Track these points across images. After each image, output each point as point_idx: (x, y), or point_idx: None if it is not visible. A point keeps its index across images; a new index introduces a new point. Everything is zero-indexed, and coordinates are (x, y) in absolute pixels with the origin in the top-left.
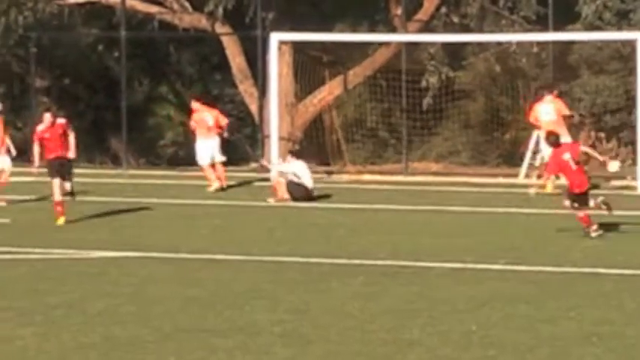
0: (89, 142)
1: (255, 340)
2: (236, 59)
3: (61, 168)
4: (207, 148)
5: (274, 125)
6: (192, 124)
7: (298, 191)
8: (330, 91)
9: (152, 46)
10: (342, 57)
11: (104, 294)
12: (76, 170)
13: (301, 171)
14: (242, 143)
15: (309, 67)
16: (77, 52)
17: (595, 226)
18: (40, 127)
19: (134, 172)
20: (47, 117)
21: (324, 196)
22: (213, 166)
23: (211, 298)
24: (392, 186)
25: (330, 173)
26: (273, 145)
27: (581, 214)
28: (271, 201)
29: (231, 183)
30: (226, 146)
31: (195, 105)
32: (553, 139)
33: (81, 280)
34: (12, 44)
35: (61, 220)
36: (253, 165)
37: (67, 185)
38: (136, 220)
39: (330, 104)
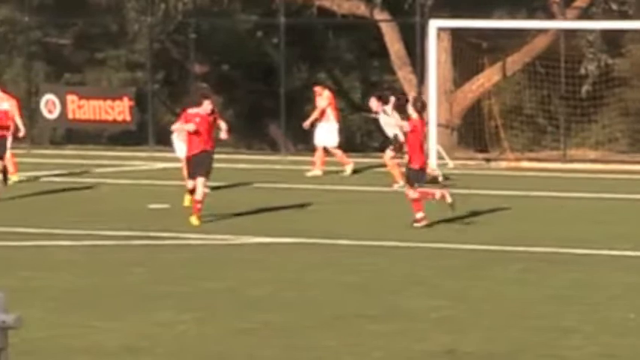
0: (247, 128)
1: (413, 326)
2: (394, 46)
3: (203, 165)
4: (328, 132)
5: (432, 112)
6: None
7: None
8: (488, 77)
9: (310, 33)
10: (501, 44)
11: (263, 280)
12: (235, 156)
13: None
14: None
15: (467, 54)
16: (236, 38)
17: None
18: (192, 110)
19: (293, 157)
20: (207, 104)
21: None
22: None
23: (369, 284)
24: (550, 173)
25: (488, 160)
26: (432, 132)
27: None
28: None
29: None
30: (384, 133)
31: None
32: None
33: (240, 266)
34: (171, 30)
35: (194, 220)
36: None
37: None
38: (294, 206)
39: (488, 91)
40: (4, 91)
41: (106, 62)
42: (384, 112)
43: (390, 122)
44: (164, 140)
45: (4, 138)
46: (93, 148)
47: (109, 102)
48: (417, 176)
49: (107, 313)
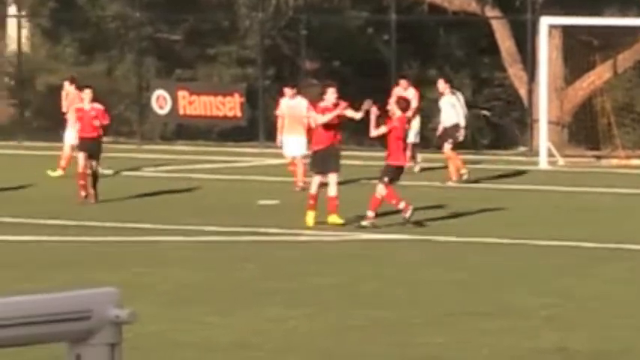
0: (358, 125)
1: (522, 324)
2: (505, 43)
3: (332, 159)
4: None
5: (543, 109)
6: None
7: None
8: (599, 75)
9: (421, 30)
10: (612, 41)
11: (372, 276)
12: (346, 153)
13: None
14: (511, 127)
15: (578, 52)
16: (347, 35)
17: None
18: (323, 104)
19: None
20: (331, 92)
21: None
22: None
23: (477, 281)
24: None
25: (598, 158)
26: (542, 129)
27: None
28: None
29: (501, 167)
30: (495, 129)
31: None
32: None
33: (349, 262)
34: (282, 26)
35: (310, 217)
36: (522, 149)
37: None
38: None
39: (599, 88)
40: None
41: (217, 58)
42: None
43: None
44: (275, 136)
45: (97, 138)
46: (203, 144)
47: (219, 98)
48: (393, 174)
49: (218, 309)
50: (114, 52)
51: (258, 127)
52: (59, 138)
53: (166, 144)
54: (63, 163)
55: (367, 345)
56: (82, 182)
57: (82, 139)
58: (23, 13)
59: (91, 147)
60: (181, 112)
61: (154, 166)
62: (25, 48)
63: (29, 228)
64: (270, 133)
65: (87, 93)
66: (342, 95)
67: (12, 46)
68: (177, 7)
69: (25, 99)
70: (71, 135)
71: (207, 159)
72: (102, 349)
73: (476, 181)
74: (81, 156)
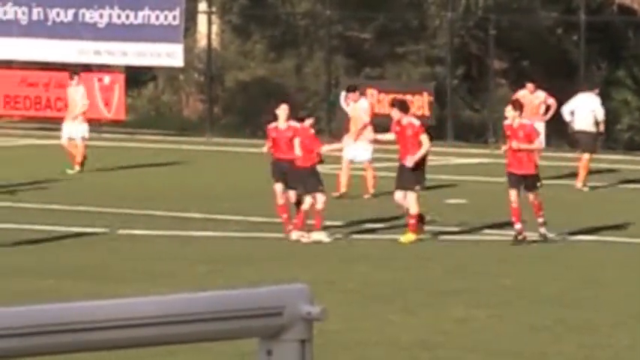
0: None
1: None
2: None
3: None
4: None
5: None
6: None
7: None
8: None
9: (610, 30)
10: None
11: (557, 277)
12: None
13: None
14: None
15: None
16: (536, 35)
17: None
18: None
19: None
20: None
21: None
22: None
23: None
24: None
25: None
26: None
27: None
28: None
29: None
30: None
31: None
32: None
33: (534, 263)
34: (471, 26)
35: (409, 237)
36: None
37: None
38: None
39: None
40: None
41: (405, 57)
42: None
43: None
44: (463, 136)
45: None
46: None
47: (408, 96)
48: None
49: (402, 308)
50: (303, 49)
51: (446, 126)
52: (248, 134)
53: None
54: (78, 158)
55: (552, 346)
56: (284, 216)
57: (276, 161)
58: (214, 9)
59: (289, 173)
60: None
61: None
62: (215, 44)
63: (217, 224)
64: (458, 133)
65: (283, 109)
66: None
67: (202, 42)
68: (367, 5)
69: (215, 95)
70: (76, 129)
71: (393, 157)
72: (293, 346)
73: None
74: (278, 187)
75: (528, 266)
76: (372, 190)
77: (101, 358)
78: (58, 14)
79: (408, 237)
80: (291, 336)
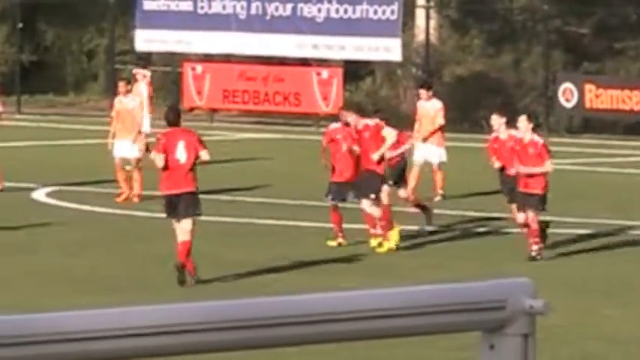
0: None
1: None
2: None
3: None
4: None
5: None
6: None
7: None
8: None
9: None
10: None
11: None
12: None
13: None
14: None
15: None
16: None
17: None
18: None
19: None
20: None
21: None
22: None
23: None
24: None
25: None
26: None
27: None
28: None
29: None
30: None
31: None
32: None
33: None
34: None
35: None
36: None
37: None
38: None
39: None
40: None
41: (624, 52)
42: None
43: None
44: None
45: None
46: (608, 137)
47: (626, 92)
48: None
49: (619, 302)
50: (521, 44)
51: None
52: (466, 129)
53: (572, 137)
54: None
55: None
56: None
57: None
58: (432, 3)
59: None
60: (587, 105)
61: (560, 159)
62: (433, 39)
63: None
64: None
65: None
66: None
67: (420, 36)
68: (585, 0)
69: (433, 90)
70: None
71: (612, 153)
72: (515, 340)
73: None
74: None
75: None
76: (441, 191)
77: (321, 347)
78: (276, 8)
79: (393, 236)
80: (514, 330)
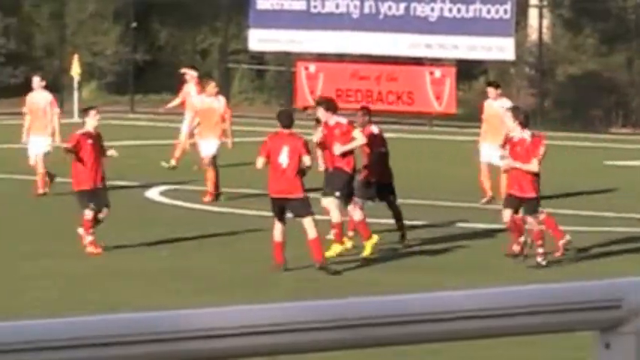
0: None
1: None
2: None
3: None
4: None
5: None
6: None
7: None
8: None
9: None
10: None
11: None
12: None
13: None
14: None
15: None
16: None
17: None
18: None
19: None
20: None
21: None
22: None
23: None
24: None
25: None
26: None
27: None
28: None
29: None
30: None
31: None
32: None
33: None
34: None
35: (335, 249)
36: None
37: None
38: None
39: None
40: None
41: None
42: None
43: None
44: None
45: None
46: None
47: None
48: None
49: None
50: (634, 43)
51: None
52: (578, 128)
53: None
54: (177, 153)
55: None
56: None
57: None
58: (545, 3)
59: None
60: None
61: None
62: (546, 38)
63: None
64: None
65: None
66: None
67: (533, 36)
68: None
69: (545, 89)
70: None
71: None
72: (632, 339)
73: None
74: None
75: None
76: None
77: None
78: (389, 8)
79: (334, 248)
80: (630, 329)
